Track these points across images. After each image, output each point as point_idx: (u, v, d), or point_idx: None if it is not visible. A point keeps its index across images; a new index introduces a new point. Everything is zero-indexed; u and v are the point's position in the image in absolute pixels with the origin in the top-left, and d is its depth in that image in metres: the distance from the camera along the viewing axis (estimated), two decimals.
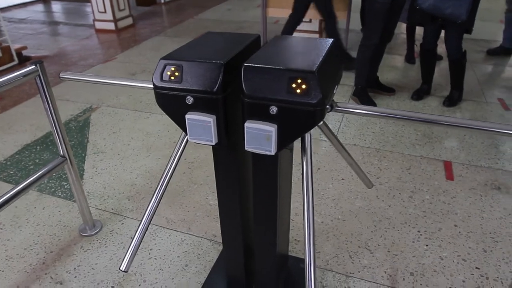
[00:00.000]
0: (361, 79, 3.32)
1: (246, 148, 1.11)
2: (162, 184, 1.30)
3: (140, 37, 5.62)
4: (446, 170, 2.46)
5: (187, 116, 1.13)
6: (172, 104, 1.15)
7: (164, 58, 1.14)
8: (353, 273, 1.78)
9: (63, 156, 1.84)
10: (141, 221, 1.28)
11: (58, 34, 6.04)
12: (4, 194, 1.62)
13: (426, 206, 2.17)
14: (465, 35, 3.07)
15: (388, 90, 3.51)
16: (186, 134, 1.18)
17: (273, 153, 1.09)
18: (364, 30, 3.22)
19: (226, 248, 1.57)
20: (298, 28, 4.88)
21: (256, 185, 1.33)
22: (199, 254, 1.91)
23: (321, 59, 1.06)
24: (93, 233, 2.05)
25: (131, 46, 5.20)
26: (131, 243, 1.27)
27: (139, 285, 1.76)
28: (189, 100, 1.12)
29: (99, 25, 5.94)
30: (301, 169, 1.16)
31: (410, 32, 4.16)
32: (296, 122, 1.04)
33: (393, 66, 4.14)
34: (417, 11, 3.04)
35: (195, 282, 1.77)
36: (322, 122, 1.29)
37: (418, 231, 2.00)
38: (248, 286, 1.65)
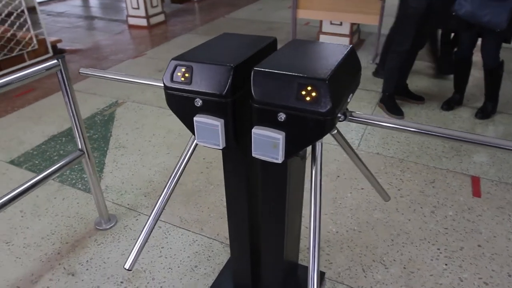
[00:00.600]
0: (389, 86, 3.22)
1: (253, 155, 1.08)
2: (169, 187, 1.29)
3: (170, 34, 5.69)
4: (473, 186, 2.34)
5: (195, 119, 1.11)
6: (181, 105, 1.14)
7: (175, 58, 1.12)
8: None
9: (81, 150, 1.87)
10: (146, 221, 1.27)
11: (93, 29, 6.21)
12: (22, 184, 1.66)
13: (448, 222, 2.06)
14: (504, 44, 2.91)
15: (417, 98, 3.38)
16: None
17: (280, 161, 1.06)
18: (395, 35, 3.11)
19: (234, 252, 1.55)
20: (328, 31, 4.82)
21: (264, 192, 1.30)
22: (209, 256, 1.90)
23: (335, 66, 1.01)
24: (107, 227, 2.08)
25: (161, 42, 5.27)
26: (136, 243, 1.27)
27: (148, 283, 1.77)
28: (198, 102, 1.10)
29: (132, 21, 6.07)
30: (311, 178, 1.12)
31: (446, 38, 3.99)
32: (305, 130, 1.00)
33: (425, 74, 3.98)
34: (453, 17, 2.91)
35: (202, 284, 1.75)
36: (335, 131, 1.25)
37: (438, 249, 1.90)
38: None
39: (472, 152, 2.66)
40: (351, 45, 1.19)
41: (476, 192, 2.28)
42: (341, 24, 4.73)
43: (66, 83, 1.69)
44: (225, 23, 6.22)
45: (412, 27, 2.95)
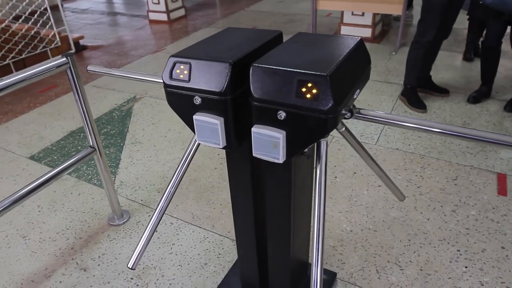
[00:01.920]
0: (411, 78, 3.09)
1: (254, 154, 1.04)
2: (172, 185, 1.26)
3: (190, 28, 5.69)
4: (499, 184, 2.21)
5: (195, 117, 1.08)
6: (181, 103, 1.11)
7: (174, 55, 1.09)
8: None
9: (92, 147, 1.88)
10: (149, 221, 1.26)
11: (115, 24, 6.29)
12: (35, 180, 1.69)
13: (470, 222, 1.96)
14: None
15: (442, 91, 3.24)
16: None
17: (280, 161, 1.01)
18: (418, 25, 2.97)
19: (240, 252, 1.52)
20: (350, 22, 4.69)
21: (269, 191, 1.26)
22: (219, 254, 1.88)
23: (338, 60, 0.96)
24: (120, 223, 2.09)
25: (181, 37, 5.27)
26: (139, 242, 1.26)
27: (157, 280, 1.77)
28: (197, 100, 1.07)
29: (152, 16, 6.10)
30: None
31: (473, 27, 3.80)
32: (306, 129, 0.95)
33: (450, 65, 3.81)
34: (480, 6, 2.75)
35: (211, 282, 1.74)
36: (343, 128, 1.19)
37: (458, 250, 1.81)
38: None
39: (499, 147, 2.52)
40: (359, 37, 1.12)
41: (502, 190, 2.16)
42: (363, 14, 4.59)
43: (76, 80, 1.70)
44: (245, 16, 6.17)
45: (436, 17, 2.81)
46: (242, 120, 1.10)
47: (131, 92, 3.64)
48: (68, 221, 2.14)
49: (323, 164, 1.07)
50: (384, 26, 5.06)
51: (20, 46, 4.18)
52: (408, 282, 1.68)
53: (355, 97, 1.05)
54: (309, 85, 0.91)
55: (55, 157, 2.71)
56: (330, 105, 0.89)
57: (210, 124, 1.07)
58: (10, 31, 4.05)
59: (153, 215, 1.26)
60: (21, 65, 4.20)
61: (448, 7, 2.76)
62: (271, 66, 0.95)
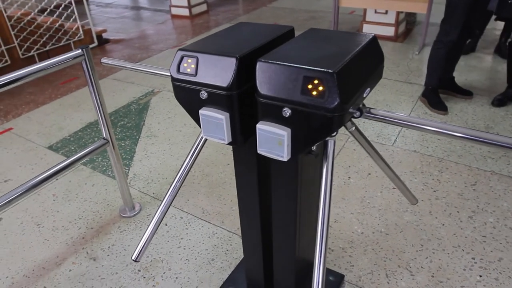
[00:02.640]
0: (433, 78, 3.00)
1: (258, 151, 1.02)
2: (178, 181, 1.26)
3: (211, 23, 5.70)
4: None
5: (200, 112, 1.07)
6: (188, 98, 1.10)
7: (182, 49, 1.08)
8: None
9: (106, 139, 1.90)
10: (154, 215, 1.25)
11: (138, 19, 6.36)
12: (49, 169, 1.72)
13: (488, 230, 1.89)
14: None
15: (465, 92, 3.13)
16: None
17: (285, 159, 0.99)
18: (442, 23, 2.88)
19: (246, 250, 1.50)
20: (372, 20, 4.60)
21: (275, 190, 1.24)
22: (227, 250, 1.87)
23: (347, 57, 0.92)
24: (131, 215, 2.11)
25: (202, 32, 5.29)
26: (143, 235, 1.26)
27: (164, 273, 1.77)
28: (203, 94, 1.05)
29: (174, 11, 6.14)
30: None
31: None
32: (311, 127, 0.93)
33: (475, 66, 3.69)
34: (508, 5, 2.65)
35: (218, 278, 1.73)
36: (353, 128, 1.16)
37: (473, 258, 1.75)
38: None
39: None
40: (372, 34, 1.08)
41: None
42: (386, 12, 4.49)
43: (91, 72, 1.71)
44: (267, 12, 6.13)
45: (461, 16, 2.71)
46: (249, 116, 1.08)
47: (149, 86, 3.67)
48: (81, 211, 2.17)
49: (329, 164, 1.04)
50: (408, 25, 4.94)
51: (44, 38, 4.28)
52: None
53: (364, 95, 1.02)
54: (316, 82, 0.88)
55: (72, 148, 2.76)
56: (336, 103, 0.87)
57: (216, 119, 1.06)
58: (35, 24, 4.15)
59: (158, 209, 1.26)
60: (45, 56, 4.30)
61: (473, 6, 2.66)
62: (277, 62, 0.93)
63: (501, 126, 2.72)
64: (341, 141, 2.64)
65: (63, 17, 4.45)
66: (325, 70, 0.87)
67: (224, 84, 1.00)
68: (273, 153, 1.00)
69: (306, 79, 0.89)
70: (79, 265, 1.84)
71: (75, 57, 1.66)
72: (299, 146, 0.98)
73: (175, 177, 1.26)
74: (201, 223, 2.05)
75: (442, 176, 2.27)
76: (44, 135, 2.95)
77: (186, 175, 1.28)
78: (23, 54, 4.10)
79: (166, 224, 2.04)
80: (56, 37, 4.39)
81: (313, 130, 0.93)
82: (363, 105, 1.06)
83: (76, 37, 4.60)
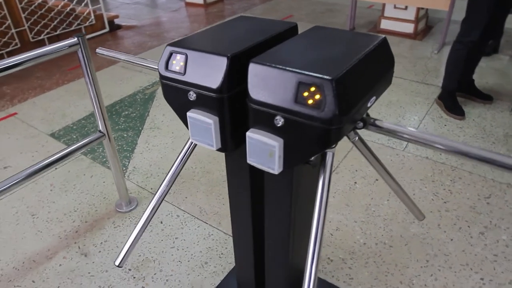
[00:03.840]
0: (451, 81, 2.85)
1: (248, 161, 0.93)
2: (167, 183, 1.18)
3: (226, 12, 5.58)
4: None
5: (188, 114, 0.98)
6: (176, 97, 1.01)
7: (171, 44, 0.99)
8: None
9: (101, 132, 1.83)
10: (140, 218, 1.18)
11: (151, 5, 6.28)
12: (42, 161, 1.66)
13: (500, 248, 1.77)
14: None
15: (484, 97, 2.97)
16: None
17: (276, 172, 0.90)
18: (463, 23, 2.71)
19: (238, 258, 1.42)
20: (391, 15, 4.42)
21: (268, 201, 1.15)
22: (221, 254, 1.80)
23: (351, 62, 0.82)
24: (127, 210, 2.05)
25: (215, 21, 5.18)
26: (127, 240, 1.18)
27: (154, 274, 1.71)
28: (192, 96, 0.96)
29: None
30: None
31: None
32: (306, 139, 0.83)
33: (497, 69, 3.50)
34: None
35: (209, 283, 1.66)
36: (357, 138, 1.05)
37: (482, 279, 1.63)
38: None
39: None
40: (383, 36, 0.98)
41: None
42: (406, 8, 4.31)
43: (86, 62, 1.64)
44: (284, 3, 5.97)
45: (483, 16, 2.55)
46: (241, 121, 0.99)
47: (157, 75, 3.60)
48: (77, 203, 2.12)
49: (326, 177, 0.94)
50: (429, 22, 4.75)
51: (55, 22, 4.23)
52: None
53: (369, 105, 0.91)
54: (312, 89, 0.78)
55: (74, 136, 2.71)
56: (334, 114, 0.77)
57: (204, 123, 0.97)
58: (46, 7, 4.10)
59: (143, 214, 1.18)
60: (55, 40, 4.24)
61: (496, 5, 2.49)
62: (270, 64, 0.83)
63: None
64: (349, 143, 2.53)
65: (74, 1, 4.39)
66: (323, 76, 0.77)
67: (214, 86, 0.91)
68: (264, 165, 0.91)
69: (301, 85, 0.80)
70: (69, 260, 1.79)
71: (70, 46, 1.58)
72: (293, 159, 0.89)
73: (162, 183, 1.17)
74: (198, 223, 1.97)
75: (454, 186, 2.14)
76: (47, 122, 2.91)
77: (176, 177, 1.20)
78: (33, 38, 4.07)
79: (161, 222, 1.98)
80: (67, 22, 4.34)
81: (308, 142, 0.84)
82: (367, 115, 0.96)
83: (88, 22, 4.54)
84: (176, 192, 2.17)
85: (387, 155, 2.41)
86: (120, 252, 1.21)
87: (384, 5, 4.43)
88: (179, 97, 1.00)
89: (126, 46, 4.40)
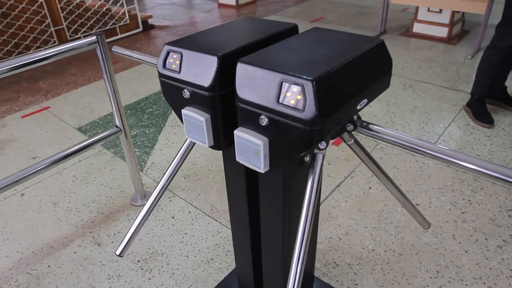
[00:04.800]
0: (481, 87, 2.73)
1: (237, 159, 0.95)
2: (168, 177, 1.22)
3: (257, 14, 5.62)
4: None
5: (183, 111, 1.01)
6: (172, 95, 1.04)
7: (168, 43, 1.02)
8: None
9: (118, 127, 1.90)
10: (140, 211, 1.22)
11: (186, 6, 6.42)
12: (61, 152, 1.75)
13: None
14: None
15: None
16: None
17: (262, 171, 0.91)
18: (498, 27, 2.59)
19: (237, 257, 1.44)
20: (424, 19, 4.29)
21: (263, 198, 1.15)
22: (228, 251, 1.82)
23: (337, 64, 0.82)
24: (141, 204, 2.12)
25: None
26: (129, 230, 1.23)
27: (161, 267, 1.75)
28: (186, 93, 0.99)
29: (222, 0, 6.12)
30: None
31: None
32: (289, 139, 0.83)
33: None
34: None
35: (213, 279, 1.68)
36: (352, 141, 1.04)
37: None
38: None
39: None
40: (380, 39, 0.96)
41: None
42: (440, 11, 4.16)
43: (104, 59, 1.71)
44: (316, 5, 5.94)
45: None
46: (233, 119, 1.00)
47: None
48: (96, 194, 2.21)
49: (316, 178, 0.94)
50: (466, 26, 4.56)
51: (91, 22, 4.42)
52: None
53: (359, 107, 0.90)
54: (294, 89, 0.79)
55: (99, 131, 2.82)
56: (314, 115, 0.76)
57: (197, 121, 0.99)
58: (83, 7, 4.29)
59: (145, 206, 1.22)
60: None
61: None
62: (256, 64, 0.84)
63: None
64: (368, 148, 2.48)
65: (110, 1, 4.57)
66: (304, 77, 0.77)
67: (206, 84, 0.93)
68: (251, 163, 0.92)
69: (283, 85, 0.80)
70: (84, 248, 1.87)
71: (89, 44, 1.66)
72: (278, 158, 0.89)
73: (163, 176, 1.21)
74: (208, 219, 2.00)
75: (475, 197, 2.05)
76: (76, 116, 3.05)
77: (175, 173, 1.23)
78: (70, 36, 4.27)
79: (173, 217, 2.03)
80: (103, 21, 4.53)
81: (292, 142, 0.84)
82: (359, 117, 0.95)
83: (122, 22, 4.71)
84: (190, 189, 2.22)
85: (406, 162, 2.34)
86: (121, 243, 1.25)
87: (417, 8, 4.31)
88: (175, 94, 1.03)
89: (156, 45, 4.53)
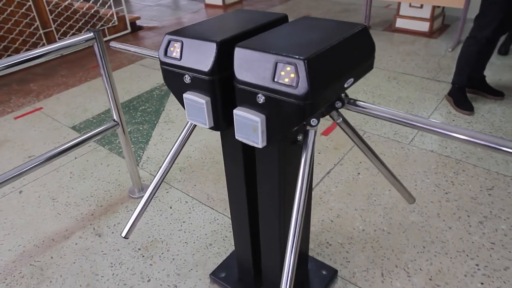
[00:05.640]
0: (461, 77, 2.86)
1: (236, 137, 1.03)
2: (167, 164, 1.29)
3: None
4: None
5: (184, 96, 1.09)
6: (174, 81, 1.12)
7: (169, 33, 1.10)
8: None
9: (116, 121, 1.96)
10: (143, 197, 1.29)
11: (173, 7, 6.47)
12: (59, 146, 1.81)
13: (498, 237, 1.79)
14: None
15: (495, 93, 2.96)
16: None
17: (260, 145, 0.99)
18: (476, 19, 2.72)
19: (236, 238, 1.52)
20: (406, 14, 4.43)
21: (260, 176, 1.24)
22: (225, 236, 1.90)
23: (325, 46, 0.91)
24: (139, 196, 2.18)
25: None
26: (132, 214, 1.30)
27: (162, 253, 1.82)
28: (187, 78, 1.07)
29: (208, 0, 6.19)
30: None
31: None
32: (284, 114, 0.92)
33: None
34: None
35: (212, 262, 1.76)
36: (340, 119, 1.14)
37: (477, 265, 1.67)
38: (256, 279, 1.58)
39: None
40: (363, 25, 1.05)
41: None
42: (421, 7, 4.31)
43: (102, 55, 1.77)
44: (302, 3, 6.05)
45: (498, 11, 2.55)
46: (231, 101, 1.08)
47: None
48: (94, 189, 2.27)
49: (309, 154, 1.03)
50: (446, 21, 4.72)
51: (80, 24, 4.46)
52: None
53: (346, 86, 0.99)
54: (288, 69, 0.87)
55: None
56: (306, 91, 0.85)
57: (197, 103, 1.07)
58: (72, 9, 4.32)
59: (148, 189, 1.30)
60: None
61: (510, 1, 2.49)
62: (253, 48, 0.93)
63: None
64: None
65: (98, 3, 4.61)
66: (297, 57, 0.86)
67: (206, 69, 1.01)
68: (249, 139, 1.00)
69: (278, 66, 0.89)
70: (85, 239, 1.93)
71: (87, 40, 1.72)
72: (274, 133, 0.98)
73: (165, 159, 1.29)
74: (205, 208, 2.08)
75: (457, 178, 2.17)
76: (69, 116, 3.09)
77: (177, 157, 1.31)
78: (59, 38, 4.29)
79: (171, 207, 2.10)
80: (92, 23, 4.56)
81: (286, 117, 0.93)
82: (346, 95, 1.04)
83: (111, 23, 4.75)
84: (186, 181, 2.29)
85: (392, 148, 2.45)
86: (126, 226, 1.33)
87: (399, 4, 4.45)
88: (176, 80, 1.11)
89: (146, 46, 4.58)
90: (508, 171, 2.20)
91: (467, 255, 1.72)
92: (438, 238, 1.81)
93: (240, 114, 0.98)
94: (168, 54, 1.09)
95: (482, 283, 1.59)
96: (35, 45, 4.09)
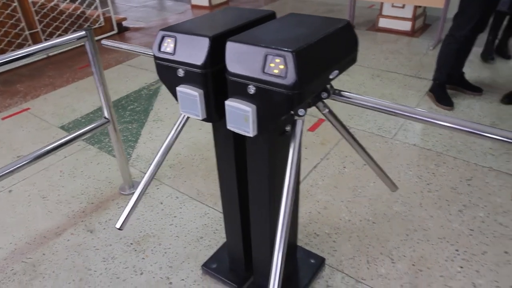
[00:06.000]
0: (441, 74, 2.97)
1: (228, 127, 1.08)
2: (160, 157, 1.33)
3: None
4: None
5: (177, 89, 1.14)
6: (167, 75, 1.17)
7: (163, 29, 1.15)
8: (365, 279, 1.65)
9: (107, 118, 1.99)
10: (137, 188, 1.33)
11: (159, 8, 6.49)
12: (49, 144, 1.83)
13: (476, 224, 1.89)
14: None
15: (474, 89, 3.08)
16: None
17: (251, 134, 1.05)
18: (455, 18, 2.82)
19: (227, 230, 1.57)
20: (389, 14, 4.55)
21: (250, 166, 1.29)
22: (216, 230, 1.94)
23: (312, 40, 0.97)
24: (130, 192, 2.21)
25: None
26: (127, 205, 1.34)
27: (154, 247, 1.86)
28: (180, 72, 1.12)
29: (194, 1, 6.23)
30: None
31: (497, 23, 3.57)
32: (274, 104, 0.98)
33: (490, 64, 3.61)
34: None
35: (203, 255, 1.81)
36: (327, 110, 1.20)
37: (456, 250, 1.75)
38: (247, 268, 1.64)
39: None
40: (347, 20, 1.12)
41: None
42: (403, 7, 4.43)
43: (93, 53, 1.80)
44: (288, 4, 6.13)
45: (477, 10, 2.65)
46: (223, 94, 1.13)
47: None
48: (84, 187, 2.29)
49: (296, 143, 1.09)
50: (427, 20, 4.86)
51: (66, 24, 4.44)
52: (397, 275, 1.65)
53: (331, 77, 1.06)
54: (277, 60, 0.93)
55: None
56: (294, 81, 0.91)
57: (190, 96, 1.12)
58: (58, 10, 4.31)
59: (141, 182, 1.33)
60: None
61: (489, 1, 2.60)
62: (244, 42, 0.98)
63: (507, 124, 2.68)
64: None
65: (85, 4, 4.60)
66: (286, 49, 0.92)
67: (199, 63, 1.06)
68: (241, 129, 1.06)
69: (268, 58, 0.94)
70: (77, 236, 1.96)
71: (79, 38, 1.75)
72: (265, 122, 1.03)
73: (158, 152, 1.33)
74: (195, 203, 2.12)
75: (438, 170, 2.26)
76: (57, 116, 3.09)
77: (169, 150, 1.35)
78: (45, 39, 4.27)
79: (161, 203, 2.13)
80: (78, 24, 4.55)
81: (276, 107, 0.98)
82: (331, 86, 1.10)
83: (97, 24, 4.75)
84: (176, 177, 2.33)
85: (376, 143, 2.54)
86: (120, 218, 1.36)
87: (382, 4, 4.57)
88: (170, 74, 1.15)
89: None
90: (486, 162, 2.31)
91: (448, 241, 1.80)
92: (420, 226, 1.89)
93: (232, 104, 1.03)
94: (162, 49, 1.14)
95: (461, 267, 1.68)
96: (20, 46, 4.06)
